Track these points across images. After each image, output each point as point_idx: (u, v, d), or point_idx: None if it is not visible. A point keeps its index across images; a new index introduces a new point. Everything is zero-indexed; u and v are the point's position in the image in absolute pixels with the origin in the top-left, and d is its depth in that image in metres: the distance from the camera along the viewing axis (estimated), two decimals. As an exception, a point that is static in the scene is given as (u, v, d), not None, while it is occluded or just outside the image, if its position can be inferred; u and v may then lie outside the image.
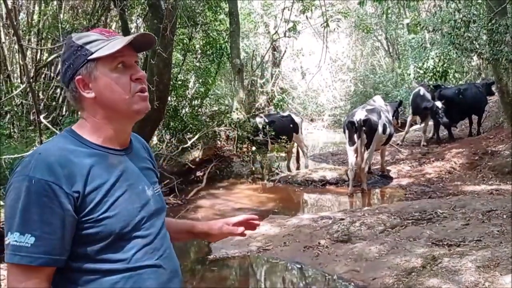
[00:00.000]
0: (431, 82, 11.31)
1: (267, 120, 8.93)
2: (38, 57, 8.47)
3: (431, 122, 10.32)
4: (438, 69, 11.57)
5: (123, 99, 1.18)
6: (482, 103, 9.74)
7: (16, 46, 7.25)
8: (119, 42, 1.16)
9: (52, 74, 8.51)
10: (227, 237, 1.55)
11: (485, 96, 9.84)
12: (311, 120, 21.57)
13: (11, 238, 1.05)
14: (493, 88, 9.57)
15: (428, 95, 9.79)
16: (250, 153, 8.83)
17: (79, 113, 1.27)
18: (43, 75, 8.53)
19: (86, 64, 1.16)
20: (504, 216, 4.75)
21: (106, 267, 1.13)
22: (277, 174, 8.85)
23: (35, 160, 1.09)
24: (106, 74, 1.17)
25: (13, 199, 1.07)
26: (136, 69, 1.21)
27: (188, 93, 10.17)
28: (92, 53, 1.16)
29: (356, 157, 7.25)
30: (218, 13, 10.60)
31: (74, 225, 1.10)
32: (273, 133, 8.63)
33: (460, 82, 12.34)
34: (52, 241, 1.06)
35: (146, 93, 1.23)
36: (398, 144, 10.31)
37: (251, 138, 8.70)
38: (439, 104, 9.25)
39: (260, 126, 8.75)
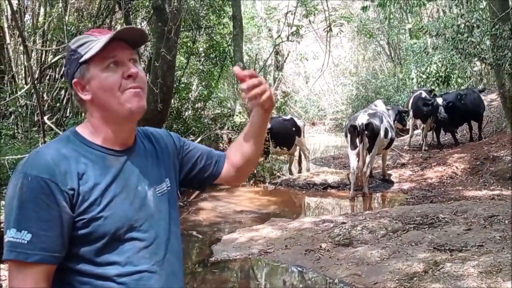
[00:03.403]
0: (433, 87, 11.31)
1: (269, 125, 8.93)
2: (43, 59, 8.52)
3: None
4: (440, 74, 11.58)
5: (114, 97, 1.16)
6: (481, 109, 9.77)
7: (21, 47, 7.29)
8: (102, 41, 1.14)
9: (56, 76, 8.56)
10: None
11: (483, 102, 9.88)
12: (313, 123, 21.59)
13: (8, 235, 1.05)
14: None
15: (429, 98, 9.83)
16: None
17: (82, 115, 1.28)
18: (47, 77, 8.57)
19: (79, 67, 1.17)
20: (506, 222, 4.74)
21: (100, 271, 1.12)
22: (279, 177, 8.86)
23: (32, 158, 1.11)
24: (97, 75, 1.16)
25: (10, 196, 1.08)
26: (128, 66, 1.17)
27: (191, 95, 10.21)
28: (83, 56, 1.16)
29: (358, 161, 7.26)
30: (222, 17, 10.65)
31: (70, 223, 1.09)
32: (273, 139, 8.64)
33: (463, 87, 12.34)
34: (49, 238, 1.06)
35: (138, 90, 1.18)
36: (404, 148, 10.33)
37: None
38: (440, 100, 9.28)
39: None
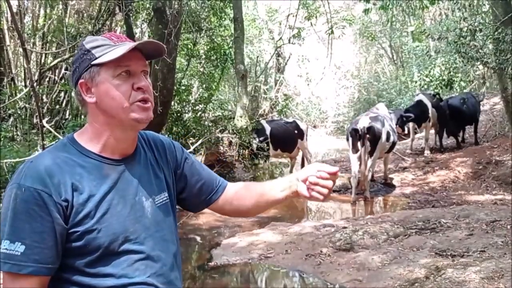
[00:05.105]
0: (436, 91, 11.27)
1: (267, 131, 8.87)
2: (42, 61, 8.51)
3: (432, 131, 10.30)
4: (444, 77, 11.54)
5: (122, 107, 1.15)
6: (478, 113, 9.76)
7: (21, 50, 7.28)
8: (122, 49, 1.13)
9: (56, 78, 8.55)
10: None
11: (479, 106, 9.87)
12: (314, 126, 21.60)
13: (2, 246, 1.05)
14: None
15: (428, 102, 9.77)
16: (252, 158, 8.80)
17: (82, 117, 1.25)
18: (47, 79, 8.57)
19: (90, 68, 1.15)
20: (508, 227, 4.69)
21: (94, 282, 1.11)
22: (280, 180, 8.79)
23: (27, 168, 1.10)
24: (108, 80, 1.14)
25: (5, 207, 1.06)
26: (140, 78, 1.17)
27: (192, 98, 10.19)
28: (96, 58, 1.14)
29: (360, 164, 7.21)
30: (223, 19, 10.65)
31: (64, 235, 1.09)
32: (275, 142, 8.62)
33: (465, 91, 12.30)
34: (42, 249, 1.06)
35: (148, 104, 1.18)
36: (406, 152, 10.29)
37: (252, 143, 8.71)
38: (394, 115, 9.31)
39: (256, 143, 8.71)
